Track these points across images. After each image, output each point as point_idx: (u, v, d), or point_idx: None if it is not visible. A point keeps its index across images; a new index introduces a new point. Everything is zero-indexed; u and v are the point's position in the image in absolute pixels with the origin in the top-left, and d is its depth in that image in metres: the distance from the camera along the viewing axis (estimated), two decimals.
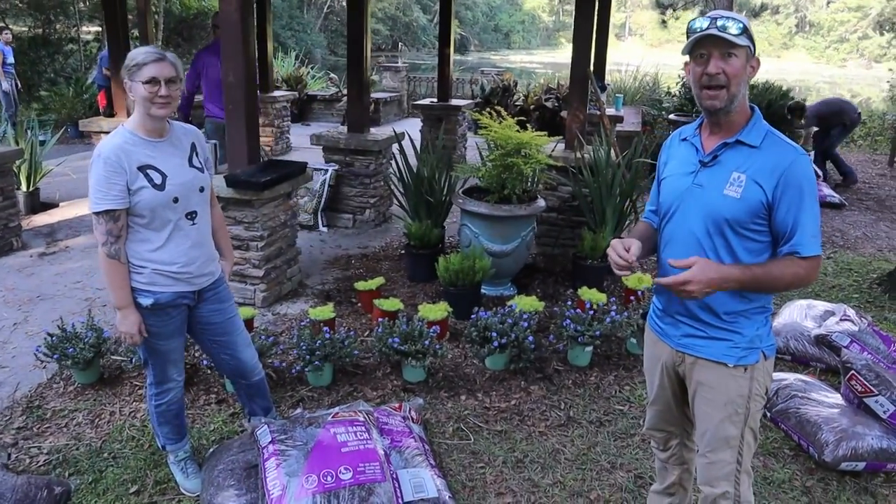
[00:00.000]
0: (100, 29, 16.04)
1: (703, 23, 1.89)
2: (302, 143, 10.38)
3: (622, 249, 2.00)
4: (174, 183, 2.49)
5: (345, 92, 12.58)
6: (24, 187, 6.59)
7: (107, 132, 6.77)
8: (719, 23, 1.86)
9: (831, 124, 8.83)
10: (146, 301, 2.53)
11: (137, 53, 2.40)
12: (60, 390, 3.62)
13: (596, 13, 6.58)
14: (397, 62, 15.80)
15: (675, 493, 2.49)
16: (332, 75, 14.10)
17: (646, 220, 2.32)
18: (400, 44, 41.76)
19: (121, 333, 2.54)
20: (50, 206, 6.80)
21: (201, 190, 2.61)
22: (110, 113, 7.11)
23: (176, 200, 2.50)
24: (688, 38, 1.94)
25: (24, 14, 15.76)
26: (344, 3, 38.09)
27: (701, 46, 1.91)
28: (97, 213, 2.41)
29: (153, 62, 2.38)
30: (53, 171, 7.25)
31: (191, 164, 2.58)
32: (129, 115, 6.69)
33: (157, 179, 2.45)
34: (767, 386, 2.11)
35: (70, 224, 6.37)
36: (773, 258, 1.98)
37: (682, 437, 2.38)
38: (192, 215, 2.58)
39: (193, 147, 2.63)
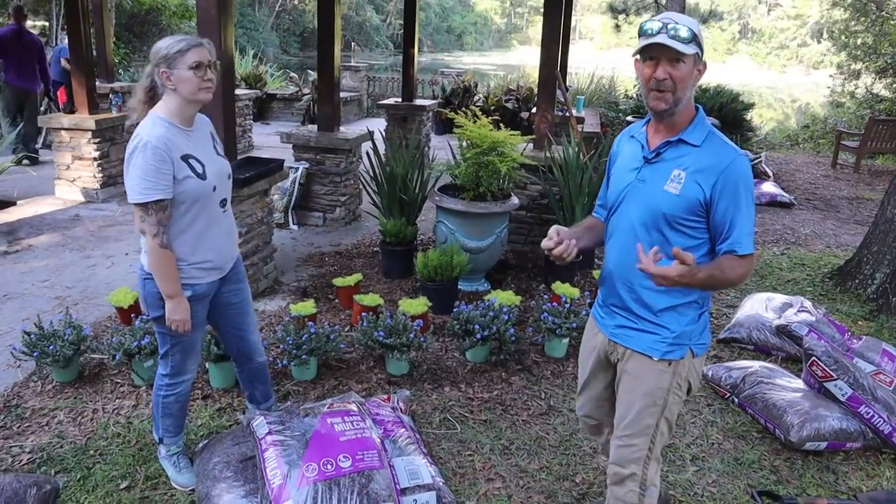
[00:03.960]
0: (46, 24, 15.56)
1: (654, 25, 1.91)
2: (263, 143, 10.30)
3: (553, 233, 2.08)
4: (211, 171, 2.53)
5: (305, 91, 12.53)
6: None
7: (67, 129, 6.67)
8: (670, 28, 1.89)
9: None
10: (186, 293, 2.56)
11: (174, 42, 2.39)
12: (38, 389, 3.57)
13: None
14: (350, 62, 15.80)
15: None
16: (291, 74, 13.96)
17: (594, 215, 2.42)
18: (353, 44, 41.57)
19: (172, 322, 2.54)
20: (7, 203, 6.58)
21: (228, 177, 2.67)
22: (70, 109, 6.89)
23: (214, 189, 2.54)
24: (639, 37, 1.96)
25: None
26: (295, 2, 37.87)
27: (651, 51, 1.93)
28: (145, 204, 2.36)
29: (195, 47, 2.38)
30: (9, 169, 7.04)
31: (217, 153, 2.63)
32: (91, 109, 6.63)
33: (199, 169, 2.48)
34: (691, 382, 2.18)
35: (31, 222, 6.20)
36: (717, 258, 2.01)
37: (613, 428, 2.35)
38: (223, 203, 2.64)
39: (212, 136, 2.67)
